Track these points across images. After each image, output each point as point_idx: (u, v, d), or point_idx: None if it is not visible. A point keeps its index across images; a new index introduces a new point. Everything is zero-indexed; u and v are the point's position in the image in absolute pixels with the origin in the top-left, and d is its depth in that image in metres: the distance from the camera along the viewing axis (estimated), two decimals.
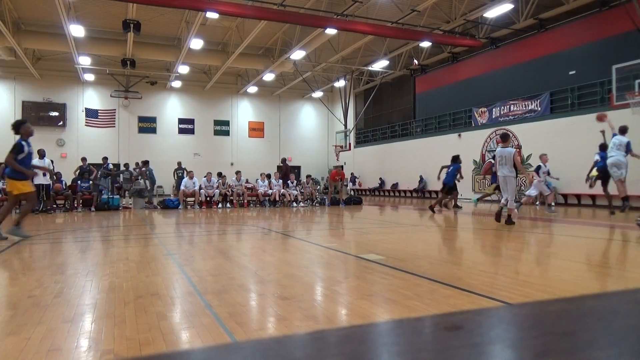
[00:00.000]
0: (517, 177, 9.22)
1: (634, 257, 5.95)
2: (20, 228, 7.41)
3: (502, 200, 9.29)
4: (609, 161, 10.36)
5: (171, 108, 30.28)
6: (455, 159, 14.27)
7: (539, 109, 18.37)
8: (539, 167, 12.45)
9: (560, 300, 0.60)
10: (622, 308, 0.57)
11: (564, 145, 16.31)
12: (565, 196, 16.39)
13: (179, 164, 19.61)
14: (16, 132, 7.61)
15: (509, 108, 19.77)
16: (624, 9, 14.72)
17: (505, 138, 9.51)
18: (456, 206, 15.31)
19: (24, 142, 7.43)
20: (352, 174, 30.60)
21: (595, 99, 16.20)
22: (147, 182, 16.89)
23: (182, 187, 15.97)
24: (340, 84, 28.57)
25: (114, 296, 3.65)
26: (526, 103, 18.97)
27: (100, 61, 25.28)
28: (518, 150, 17.88)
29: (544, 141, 17.38)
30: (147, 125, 29.51)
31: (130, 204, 16.27)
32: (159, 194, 20.91)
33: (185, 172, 17.80)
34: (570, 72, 17.55)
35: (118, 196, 16.02)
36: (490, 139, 20.59)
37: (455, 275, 4.32)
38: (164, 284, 4.12)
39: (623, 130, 10.48)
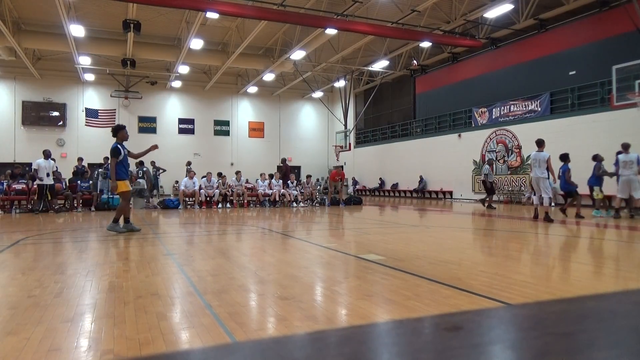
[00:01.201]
0: (548, 177, 10.00)
1: (634, 257, 5.94)
2: (119, 224, 8.21)
3: (536, 200, 10.24)
4: (625, 179, 10.60)
5: (171, 108, 30.29)
6: (564, 159, 11.82)
7: (539, 109, 18.36)
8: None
9: (561, 301, 0.60)
10: (622, 309, 0.57)
11: (564, 145, 16.26)
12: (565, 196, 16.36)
13: (189, 163, 19.57)
14: (114, 136, 8.35)
15: (509, 108, 19.77)
16: (624, 9, 14.72)
17: (540, 143, 10.29)
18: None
19: (119, 146, 8.19)
20: (353, 178, 30.66)
21: (595, 100, 16.20)
22: (149, 182, 16.90)
23: (182, 187, 15.98)
24: (340, 84, 28.57)
25: (114, 296, 3.65)
26: (526, 103, 18.96)
27: (100, 61, 25.29)
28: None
29: (545, 141, 17.36)
30: (147, 125, 29.51)
31: (131, 204, 16.26)
32: (160, 194, 20.91)
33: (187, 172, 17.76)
34: (571, 73, 17.55)
35: (118, 196, 16.01)
36: (490, 140, 20.60)
37: (455, 276, 4.32)
38: (164, 284, 4.12)
39: (627, 147, 10.75)
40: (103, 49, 23.20)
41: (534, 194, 10.46)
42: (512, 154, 19.45)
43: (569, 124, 16.73)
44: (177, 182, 24.95)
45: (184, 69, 25.58)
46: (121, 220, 8.34)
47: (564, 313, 0.57)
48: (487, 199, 15.58)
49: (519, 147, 19.07)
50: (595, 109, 16.00)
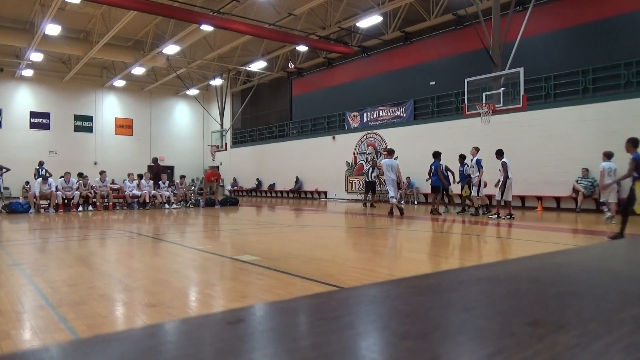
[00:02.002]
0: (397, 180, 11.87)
1: (476, 246, 6.70)
2: None
3: (394, 200, 11.73)
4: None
5: (21, 100, 26.83)
6: (435, 156, 12.72)
7: (404, 115, 19.89)
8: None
9: (423, 276, 0.66)
10: (472, 279, 0.66)
11: (424, 149, 17.81)
12: (426, 195, 17.93)
13: (41, 163, 17.38)
14: None
15: (379, 113, 21.10)
16: (474, 29, 16.57)
17: (391, 152, 12.33)
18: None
19: None
20: (234, 178, 30.19)
21: (451, 108, 18.01)
22: None
23: (36, 193, 14.17)
24: (217, 82, 27.93)
25: None
26: (393, 109, 20.41)
27: None
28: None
29: (408, 145, 18.91)
30: None
31: None
32: (5, 196, 18.35)
33: (46, 172, 15.71)
34: (431, 83, 19.28)
35: None
36: (362, 142, 21.76)
37: (328, 273, 4.45)
38: (7, 298, 3.62)
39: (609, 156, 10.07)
40: None
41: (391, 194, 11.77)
42: (380, 156, 20.76)
43: (430, 129, 18.38)
44: (27, 183, 22.21)
45: (37, 57, 22.79)
46: None
47: (425, 286, 0.65)
48: (367, 198, 16.48)
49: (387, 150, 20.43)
50: (451, 116, 17.79)
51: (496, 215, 10.95)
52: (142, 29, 22.24)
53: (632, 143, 6.98)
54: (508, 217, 10.84)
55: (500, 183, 11.03)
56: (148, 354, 0.39)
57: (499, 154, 11.37)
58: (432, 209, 12.54)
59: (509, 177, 11.03)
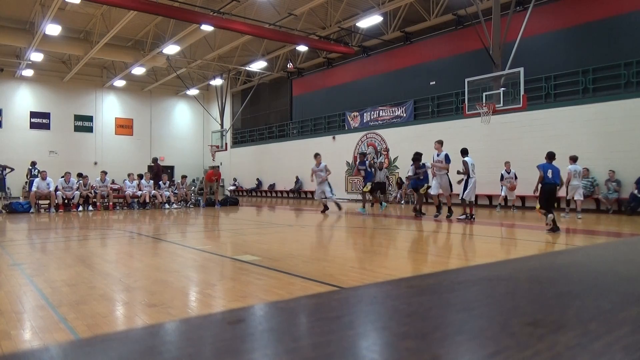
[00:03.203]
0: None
1: (471, 247, 6.71)
2: None
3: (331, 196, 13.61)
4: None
5: (21, 100, 26.82)
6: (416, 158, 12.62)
7: (405, 115, 19.89)
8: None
9: (418, 277, 0.66)
10: (471, 280, 0.66)
11: (424, 149, 17.81)
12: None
13: (33, 163, 17.40)
14: None
15: (379, 113, 21.10)
16: (474, 29, 16.58)
17: (316, 156, 13.89)
18: (418, 211, 12.71)
19: None
20: (234, 178, 30.24)
21: (451, 108, 18.01)
22: None
23: (34, 189, 14.22)
24: (217, 82, 27.92)
25: None
26: (393, 109, 20.40)
27: None
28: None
29: (408, 145, 18.86)
30: None
31: None
32: (7, 195, 18.35)
33: (38, 172, 15.78)
34: (431, 83, 19.28)
35: None
36: (362, 142, 21.76)
37: (327, 273, 4.45)
38: (8, 298, 3.62)
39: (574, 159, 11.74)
40: None
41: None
42: (380, 155, 20.76)
43: (429, 129, 18.37)
44: (27, 182, 22.20)
45: (37, 57, 22.79)
46: None
47: (425, 285, 0.65)
48: (378, 198, 16.46)
49: (387, 150, 20.43)
50: (451, 116, 17.79)
51: (464, 216, 10.64)
52: (142, 29, 22.25)
53: (547, 156, 8.58)
54: (469, 216, 10.57)
55: (463, 181, 10.72)
56: (148, 354, 0.39)
57: (464, 152, 11.04)
58: (417, 208, 12.23)
59: (471, 176, 10.72)
